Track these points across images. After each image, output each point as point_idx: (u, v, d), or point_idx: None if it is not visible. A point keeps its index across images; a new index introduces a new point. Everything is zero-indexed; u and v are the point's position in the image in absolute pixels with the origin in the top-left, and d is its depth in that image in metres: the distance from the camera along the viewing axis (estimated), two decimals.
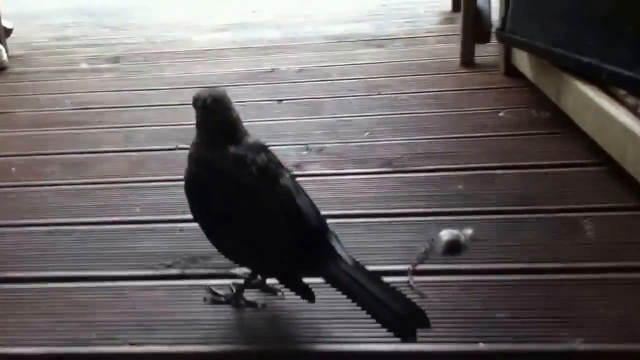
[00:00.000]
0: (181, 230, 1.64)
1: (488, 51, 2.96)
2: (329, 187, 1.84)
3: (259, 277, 1.38)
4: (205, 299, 1.37)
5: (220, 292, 1.38)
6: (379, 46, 3.38)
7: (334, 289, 1.16)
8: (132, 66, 3.24)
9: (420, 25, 3.75)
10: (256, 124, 2.13)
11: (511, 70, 2.68)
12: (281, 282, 1.29)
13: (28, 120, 2.57)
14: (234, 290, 1.37)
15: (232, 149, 1.25)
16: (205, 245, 1.34)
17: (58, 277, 1.49)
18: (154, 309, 1.35)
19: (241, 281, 1.37)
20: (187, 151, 1.29)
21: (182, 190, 1.30)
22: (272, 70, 3.04)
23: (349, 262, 1.19)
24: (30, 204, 1.85)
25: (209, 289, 1.39)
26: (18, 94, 2.94)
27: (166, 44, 3.66)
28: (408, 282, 1.38)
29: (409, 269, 1.42)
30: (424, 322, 1.10)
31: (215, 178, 1.26)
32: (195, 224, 1.32)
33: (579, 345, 1.17)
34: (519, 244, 1.50)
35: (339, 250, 1.21)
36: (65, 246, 1.61)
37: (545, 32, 2.20)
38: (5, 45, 3.43)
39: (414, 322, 1.10)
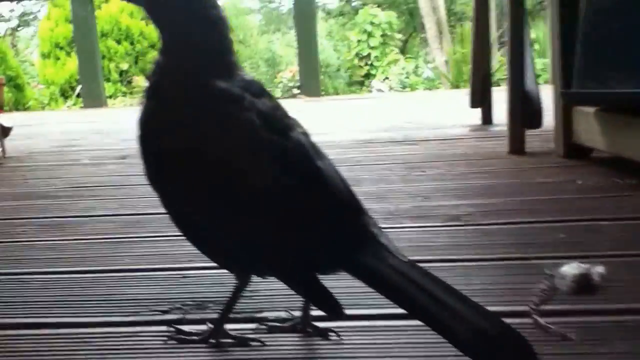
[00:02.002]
0: (184, 277, 1.11)
1: (535, 145, 2.50)
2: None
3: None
4: (167, 340, 0.86)
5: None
6: (412, 144, 2.92)
7: (377, 291, 0.74)
8: (140, 160, 2.74)
9: (451, 132, 3.31)
10: None
11: (573, 152, 2.22)
12: (288, 282, 0.78)
13: (9, 195, 2.06)
14: (212, 324, 0.86)
15: (221, 83, 0.79)
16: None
17: None
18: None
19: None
20: None
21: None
22: None
23: (401, 257, 0.74)
24: None
25: (172, 326, 0.88)
26: (6, 180, 2.43)
27: None
28: (535, 322, 0.85)
29: (530, 309, 0.90)
30: (525, 349, 0.66)
31: (190, 113, 0.79)
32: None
33: None
34: None
35: (384, 240, 0.76)
36: (17, 294, 1.09)
37: (633, 76, 1.75)
38: (2, 144, 2.99)
39: (509, 348, 0.67)
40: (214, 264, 1.10)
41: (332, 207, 0.76)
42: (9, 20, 14.42)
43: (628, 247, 1.21)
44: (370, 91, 10.69)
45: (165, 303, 1.00)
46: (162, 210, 1.61)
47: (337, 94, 11.74)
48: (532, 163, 2.22)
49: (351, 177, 1.94)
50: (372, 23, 11.79)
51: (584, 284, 0.99)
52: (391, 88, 10.46)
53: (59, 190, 2.06)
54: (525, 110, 2.45)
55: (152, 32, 9.57)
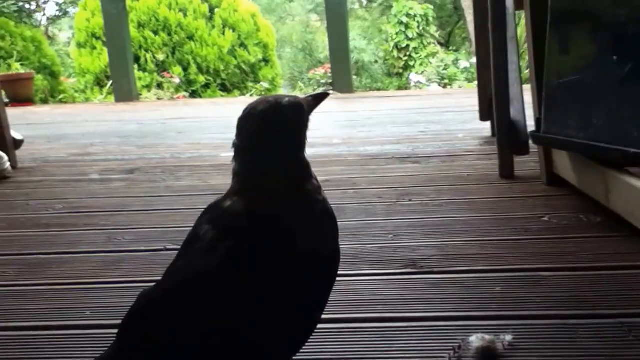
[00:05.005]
0: None
1: (529, 166, 2.61)
2: (339, 290, 1.35)
3: None
4: None
5: None
6: (414, 162, 2.99)
7: None
8: (146, 176, 2.87)
9: (459, 146, 3.38)
10: None
11: (554, 180, 2.32)
12: None
13: (4, 222, 2.17)
14: None
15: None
16: None
17: None
18: None
19: None
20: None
21: None
22: None
23: None
24: None
25: None
26: (9, 199, 2.56)
27: (191, 159, 3.31)
28: None
29: None
30: None
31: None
32: None
33: None
34: (573, 354, 1.10)
35: None
36: None
37: (584, 127, 1.85)
38: (14, 156, 3.13)
39: None
40: None
41: None
42: (44, 10, 14.60)
43: (562, 307, 1.28)
44: (409, 84, 10.69)
45: None
46: (143, 247, 1.73)
47: (373, 86, 11.75)
48: (515, 192, 2.28)
49: (336, 206, 2.05)
50: (407, 15, 11.80)
51: (487, 354, 1.07)
52: (429, 80, 10.45)
53: (55, 217, 2.18)
54: (512, 139, 2.52)
55: (189, 24, 9.58)
